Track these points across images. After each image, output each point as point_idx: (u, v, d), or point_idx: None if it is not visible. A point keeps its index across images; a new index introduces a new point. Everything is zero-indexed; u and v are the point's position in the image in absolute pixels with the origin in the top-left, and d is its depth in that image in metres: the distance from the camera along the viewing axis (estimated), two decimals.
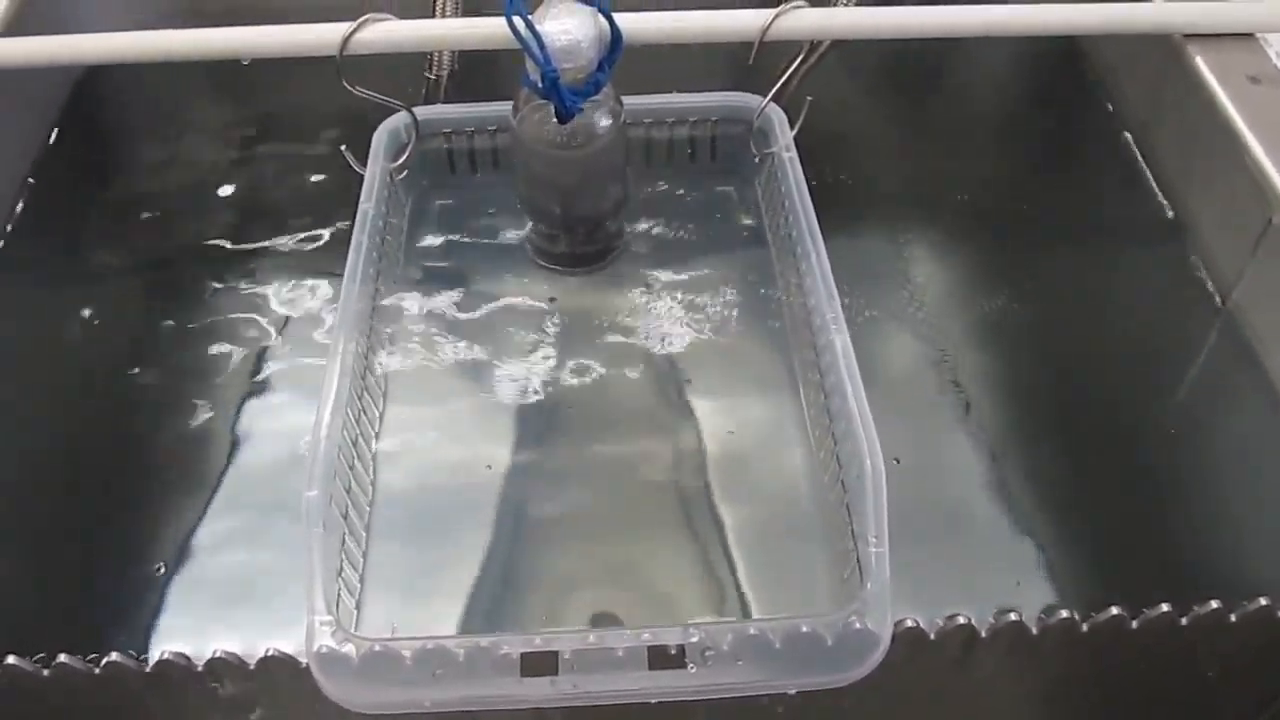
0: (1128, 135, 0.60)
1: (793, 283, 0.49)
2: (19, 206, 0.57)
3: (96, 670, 0.35)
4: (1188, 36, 0.54)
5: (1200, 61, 0.53)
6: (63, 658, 0.35)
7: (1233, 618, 0.37)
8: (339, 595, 0.39)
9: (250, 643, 0.37)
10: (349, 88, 0.49)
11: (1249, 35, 0.54)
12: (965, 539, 0.44)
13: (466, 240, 0.55)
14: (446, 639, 0.35)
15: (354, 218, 0.49)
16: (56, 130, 0.62)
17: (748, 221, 0.55)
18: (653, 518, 0.44)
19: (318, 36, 0.51)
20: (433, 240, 0.55)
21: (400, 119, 0.53)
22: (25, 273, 0.55)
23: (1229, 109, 0.51)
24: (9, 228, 0.56)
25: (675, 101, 0.55)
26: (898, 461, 0.45)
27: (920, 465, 0.46)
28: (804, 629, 0.35)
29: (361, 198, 0.50)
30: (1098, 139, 0.61)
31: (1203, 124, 0.52)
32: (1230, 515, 0.45)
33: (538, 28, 0.44)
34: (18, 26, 0.58)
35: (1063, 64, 0.65)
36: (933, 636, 0.36)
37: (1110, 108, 0.62)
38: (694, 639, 0.35)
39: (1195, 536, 0.44)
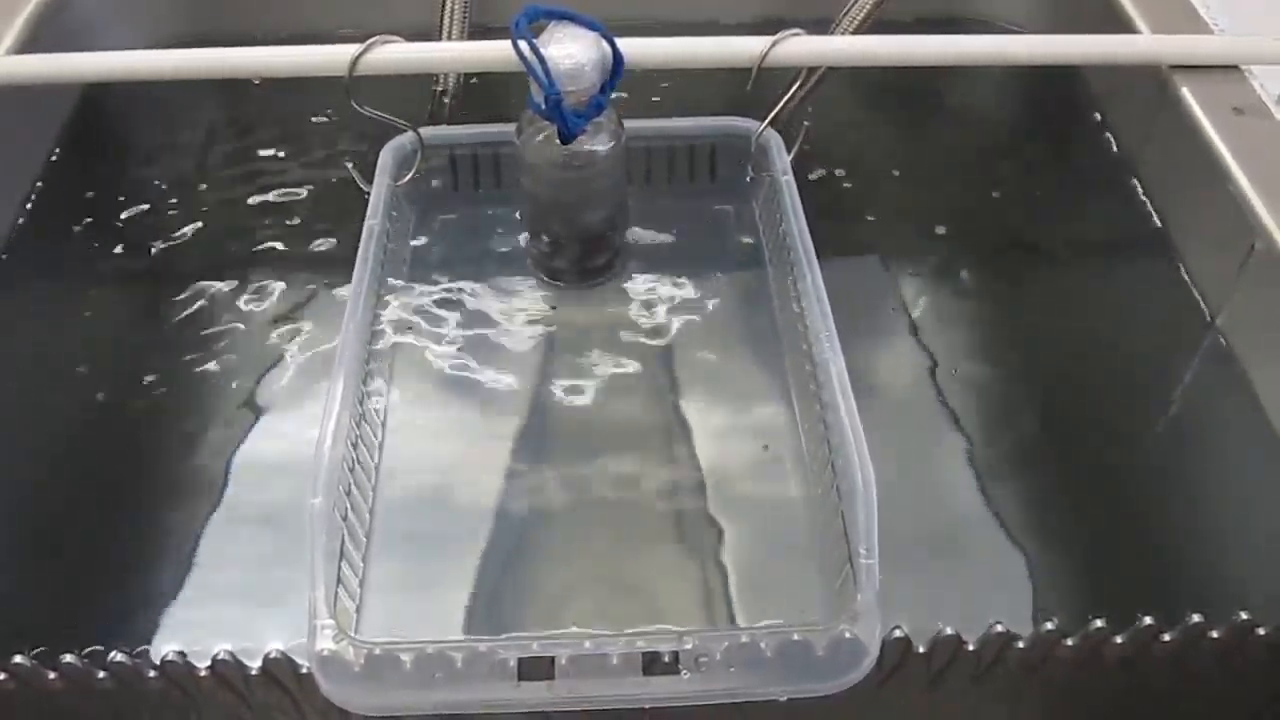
0: (1121, 157, 0.61)
1: (789, 301, 0.50)
2: (20, 220, 0.58)
3: (101, 671, 0.36)
4: (1175, 68, 0.56)
5: (1187, 92, 0.54)
6: (68, 657, 0.36)
7: (1215, 633, 0.37)
8: (340, 599, 0.40)
9: (253, 645, 0.38)
10: (357, 108, 0.50)
11: (1234, 68, 0.56)
12: (955, 553, 0.45)
13: (469, 255, 0.56)
14: (445, 643, 0.36)
15: (359, 232, 0.50)
16: (59, 146, 0.63)
17: (745, 240, 0.56)
18: (649, 530, 0.45)
19: (327, 58, 0.52)
20: (436, 255, 0.56)
21: (406, 137, 0.54)
22: (27, 285, 0.56)
23: (1214, 139, 0.52)
24: (10, 241, 0.57)
25: (674, 124, 0.56)
26: (889, 476, 0.46)
27: (912, 481, 0.47)
28: (795, 638, 0.36)
29: (367, 214, 0.51)
30: (1092, 160, 0.62)
31: (1190, 152, 0.53)
32: (1217, 531, 0.46)
33: (542, 51, 0.45)
34: (30, 44, 0.59)
35: (1059, 86, 0.66)
36: (921, 648, 0.37)
37: (1104, 129, 0.63)
38: (688, 646, 0.36)
39: (1182, 552, 0.45)
